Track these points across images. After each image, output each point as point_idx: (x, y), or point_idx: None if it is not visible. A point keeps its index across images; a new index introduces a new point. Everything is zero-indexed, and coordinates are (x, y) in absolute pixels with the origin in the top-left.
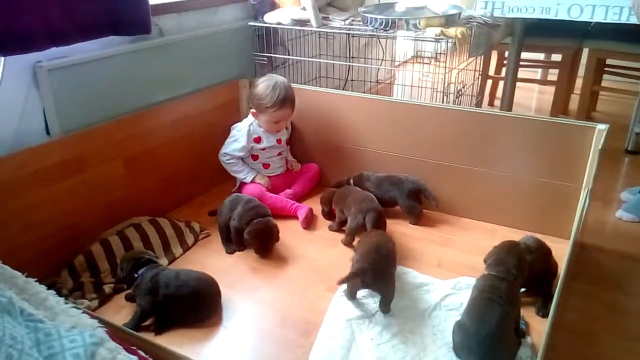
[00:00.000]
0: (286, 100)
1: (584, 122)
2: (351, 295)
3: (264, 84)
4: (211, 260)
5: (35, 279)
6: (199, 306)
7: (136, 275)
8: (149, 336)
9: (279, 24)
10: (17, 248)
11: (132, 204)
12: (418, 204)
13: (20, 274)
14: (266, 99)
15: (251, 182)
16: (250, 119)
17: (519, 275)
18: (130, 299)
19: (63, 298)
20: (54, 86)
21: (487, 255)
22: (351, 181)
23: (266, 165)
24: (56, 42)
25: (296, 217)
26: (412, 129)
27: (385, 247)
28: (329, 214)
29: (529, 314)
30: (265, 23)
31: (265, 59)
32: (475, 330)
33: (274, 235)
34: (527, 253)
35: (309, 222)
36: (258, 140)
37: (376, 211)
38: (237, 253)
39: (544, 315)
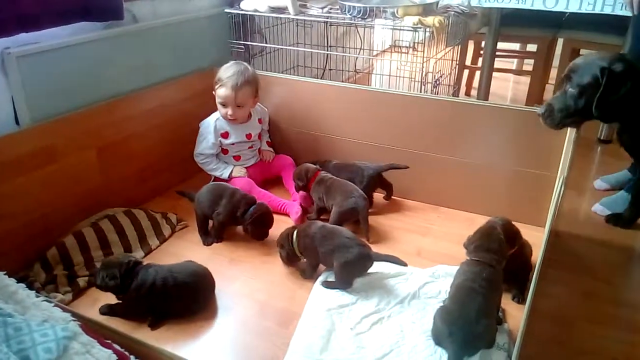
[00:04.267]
0: (229, 78)
1: None
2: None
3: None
4: (189, 251)
5: (4, 272)
6: (195, 301)
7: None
8: (124, 329)
9: (255, 11)
10: None
11: (106, 195)
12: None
13: None
14: (215, 78)
15: (229, 177)
16: (216, 114)
17: (502, 259)
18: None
19: (34, 291)
20: (23, 73)
21: (467, 242)
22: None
23: (237, 158)
24: (25, 28)
25: (284, 214)
26: (390, 119)
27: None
28: (304, 188)
29: (505, 301)
30: (242, 10)
31: (242, 47)
32: (457, 316)
33: (273, 218)
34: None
35: (302, 220)
36: (225, 135)
37: (366, 200)
38: (214, 244)
39: (520, 301)
